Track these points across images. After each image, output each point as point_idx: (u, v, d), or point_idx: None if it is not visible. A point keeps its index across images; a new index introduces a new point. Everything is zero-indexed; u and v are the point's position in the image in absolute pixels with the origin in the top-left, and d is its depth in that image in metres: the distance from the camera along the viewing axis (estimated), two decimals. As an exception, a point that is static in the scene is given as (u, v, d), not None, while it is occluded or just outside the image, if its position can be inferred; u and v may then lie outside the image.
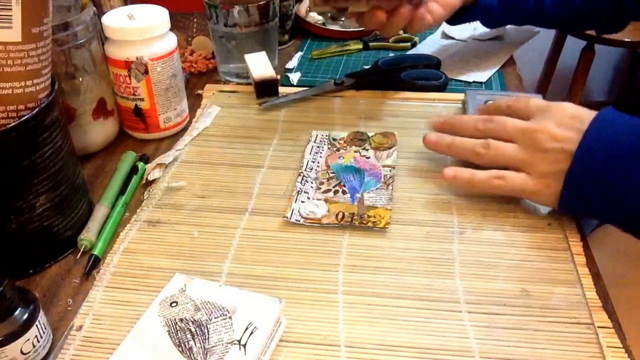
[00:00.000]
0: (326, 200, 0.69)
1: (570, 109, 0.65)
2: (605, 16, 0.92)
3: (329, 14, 1.13)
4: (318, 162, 0.75)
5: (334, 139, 0.79)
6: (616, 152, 0.60)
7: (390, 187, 0.71)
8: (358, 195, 0.69)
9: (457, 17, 0.89)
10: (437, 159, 0.76)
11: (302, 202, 0.69)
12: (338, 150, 0.77)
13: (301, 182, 0.72)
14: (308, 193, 0.70)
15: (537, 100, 0.68)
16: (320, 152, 0.77)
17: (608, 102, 2.73)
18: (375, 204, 0.68)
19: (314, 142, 0.79)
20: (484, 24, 0.93)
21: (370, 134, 0.80)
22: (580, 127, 0.62)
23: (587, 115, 0.64)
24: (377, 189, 0.70)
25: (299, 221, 0.66)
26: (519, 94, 0.86)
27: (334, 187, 0.71)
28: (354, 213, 0.67)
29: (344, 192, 0.70)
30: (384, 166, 0.74)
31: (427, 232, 0.65)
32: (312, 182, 0.72)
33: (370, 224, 0.65)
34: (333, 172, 0.73)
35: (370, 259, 0.62)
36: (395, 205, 0.69)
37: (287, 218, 0.67)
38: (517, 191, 0.66)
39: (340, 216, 0.67)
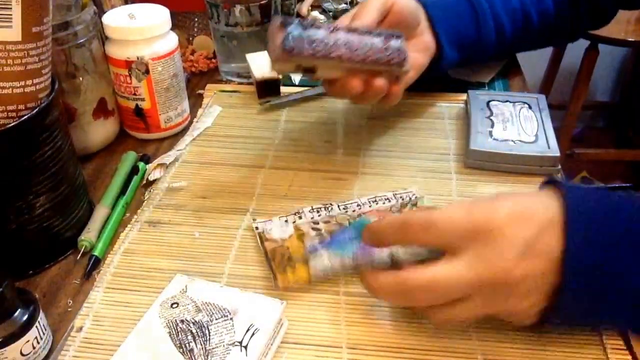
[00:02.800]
0: (296, 230, 0.63)
1: (518, 231, 0.47)
2: (564, 31, 0.94)
3: (330, 14, 1.13)
4: (362, 206, 0.67)
5: (414, 204, 0.67)
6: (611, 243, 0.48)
7: (350, 269, 0.60)
8: (319, 248, 0.60)
9: (423, 74, 0.79)
10: (437, 158, 0.75)
11: (284, 220, 0.65)
12: (394, 212, 0.66)
13: (315, 210, 0.66)
14: (301, 218, 0.66)
15: (447, 224, 0.49)
16: (380, 203, 0.68)
17: (612, 102, 2.73)
18: (314, 266, 0.59)
19: (400, 194, 0.69)
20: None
21: None
22: (548, 251, 0.47)
23: (544, 231, 0.48)
24: (340, 256, 0.59)
25: (256, 228, 0.64)
26: (522, 94, 0.86)
27: (326, 229, 0.64)
28: (290, 257, 0.60)
29: (320, 235, 0.63)
30: (392, 255, 0.59)
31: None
32: (321, 214, 0.66)
33: (278, 270, 0.59)
34: (349, 223, 0.65)
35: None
36: (398, 205, 0.69)
37: (254, 221, 0.65)
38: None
39: (278, 250, 0.61)
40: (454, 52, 0.81)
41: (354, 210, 0.67)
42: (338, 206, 0.67)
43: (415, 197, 0.68)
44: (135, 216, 0.68)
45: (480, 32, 0.83)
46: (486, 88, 0.92)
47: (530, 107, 0.80)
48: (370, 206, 0.67)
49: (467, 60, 0.86)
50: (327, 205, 0.67)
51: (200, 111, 0.88)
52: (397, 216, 0.53)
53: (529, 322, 0.51)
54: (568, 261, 0.47)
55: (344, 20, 0.71)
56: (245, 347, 0.49)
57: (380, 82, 0.67)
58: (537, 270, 0.47)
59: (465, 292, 0.48)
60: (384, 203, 0.67)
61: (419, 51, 0.76)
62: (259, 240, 0.63)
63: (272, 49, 0.63)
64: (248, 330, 0.50)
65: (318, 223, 0.65)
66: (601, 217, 0.48)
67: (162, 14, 0.77)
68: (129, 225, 0.67)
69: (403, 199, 0.67)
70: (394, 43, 0.66)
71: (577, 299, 0.48)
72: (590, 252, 0.47)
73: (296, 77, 0.95)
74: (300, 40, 0.62)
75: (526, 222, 0.48)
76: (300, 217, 0.66)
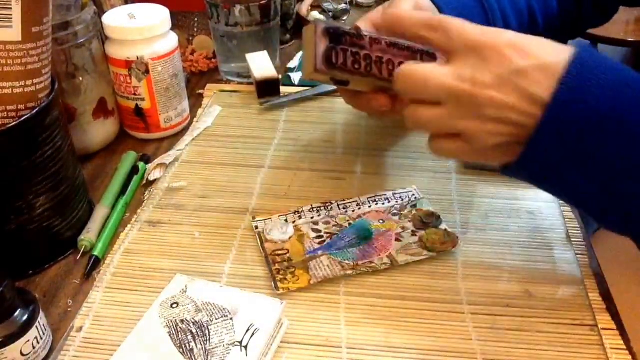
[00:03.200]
0: (296, 231, 0.64)
1: (514, 56, 0.47)
2: (566, 30, 0.93)
3: (330, 14, 1.13)
4: (361, 206, 0.68)
5: (414, 206, 0.68)
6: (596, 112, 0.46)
7: (350, 272, 0.60)
8: (319, 252, 0.61)
9: None
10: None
11: (283, 220, 0.66)
12: (396, 215, 0.67)
13: (315, 210, 0.67)
14: (301, 218, 0.66)
15: (460, 30, 0.50)
16: (380, 203, 0.68)
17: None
18: (313, 269, 0.60)
19: (400, 193, 0.70)
20: None
21: (439, 225, 0.65)
22: (531, 91, 0.46)
23: (538, 68, 0.47)
24: (340, 262, 0.60)
25: (256, 228, 0.65)
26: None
27: (326, 231, 0.64)
28: (290, 259, 0.61)
29: (318, 238, 0.64)
30: (391, 257, 0.62)
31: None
32: (321, 214, 0.67)
33: (278, 278, 0.59)
34: (350, 225, 0.65)
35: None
36: (398, 205, 0.69)
37: (253, 220, 0.66)
38: (452, 157, 0.58)
39: (277, 252, 0.62)
40: None
41: (353, 211, 0.67)
42: (338, 205, 0.67)
43: (415, 198, 0.68)
44: (135, 216, 0.68)
45: None
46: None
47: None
48: (370, 206, 0.67)
49: None
50: (327, 205, 0.67)
51: (200, 111, 0.88)
52: (422, 13, 0.53)
53: (490, 156, 0.52)
54: (549, 110, 0.46)
55: (375, 17, 0.69)
56: (245, 347, 0.49)
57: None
58: (513, 104, 0.47)
59: (441, 96, 0.50)
60: (383, 203, 0.67)
61: None
62: (258, 241, 0.63)
63: (310, 57, 0.59)
64: (248, 330, 0.50)
65: (318, 224, 0.65)
66: (603, 80, 0.46)
67: (162, 13, 0.77)
68: (129, 225, 0.67)
69: (402, 199, 0.68)
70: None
71: (546, 149, 0.48)
72: (575, 111, 0.46)
73: (296, 77, 0.95)
74: (344, 53, 0.60)
75: (523, 54, 0.47)
76: (300, 217, 0.66)
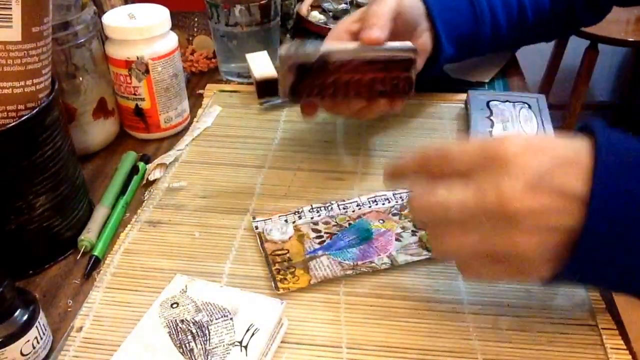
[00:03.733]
0: (296, 232, 0.64)
1: (532, 160, 0.43)
2: (558, 27, 0.93)
3: (330, 14, 1.13)
4: (361, 207, 0.67)
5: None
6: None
7: (350, 272, 0.60)
8: (319, 253, 0.61)
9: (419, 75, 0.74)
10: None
11: (283, 220, 0.65)
12: (395, 215, 0.66)
13: (315, 210, 0.67)
14: (301, 218, 0.66)
15: (462, 151, 0.48)
16: (379, 204, 0.68)
17: (612, 102, 2.72)
18: (313, 271, 0.59)
19: (399, 193, 0.69)
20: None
21: None
22: (564, 188, 0.43)
23: (563, 165, 0.44)
24: (340, 262, 0.60)
25: (256, 228, 0.65)
26: (522, 94, 0.86)
27: (326, 230, 0.64)
28: (290, 259, 0.61)
29: (318, 238, 0.63)
30: (391, 257, 0.61)
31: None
32: (321, 214, 0.66)
33: (277, 277, 0.59)
34: (349, 225, 0.65)
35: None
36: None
37: (253, 220, 0.66)
38: (491, 280, 0.55)
39: (276, 252, 0.61)
40: (451, 48, 0.81)
41: (353, 211, 0.67)
42: (338, 206, 0.67)
43: None
44: (135, 216, 0.68)
45: (477, 27, 0.82)
46: (486, 88, 0.92)
47: (530, 107, 0.80)
48: (370, 206, 0.67)
49: (462, 56, 0.85)
50: (327, 205, 0.67)
51: (200, 111, 0.88)
52: (415, 153, 0.50)
53: (536, 271, 0.46)
54: (594, 204, 0.42)
55: (349, 25, 0.71)
56: (245, 347, 0.49)
57: (381, 102, 0.70)
58: (550, 207, 0.43)
59: (469, 218, 0.45)
60: (383, 204, 0.67)
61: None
62: (258, 241, 0.63)
63: (282, 85, 0.67)
64: (248, 330, 0.50)
65: (318, 224, 0.65)
66: (634, 161, 0.43)
67: (162, 13, 0.77)
68: (129, 225, 0.67)
69: (403, 199, 0.68)
70: (403, 74, 0.68)
71: (598, 247, 0.43)
72: (620, 197, 0.42)
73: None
74: (309, 86, 0.66)
75: (541, 155, 0.44)
76: (300, 217, 0.66)
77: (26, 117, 0.55)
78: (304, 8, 1.13)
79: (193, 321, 0.51)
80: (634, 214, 0.42)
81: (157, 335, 0.50)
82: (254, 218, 0.66)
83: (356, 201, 0.68)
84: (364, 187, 0.71)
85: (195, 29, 1.03)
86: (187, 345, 0.49)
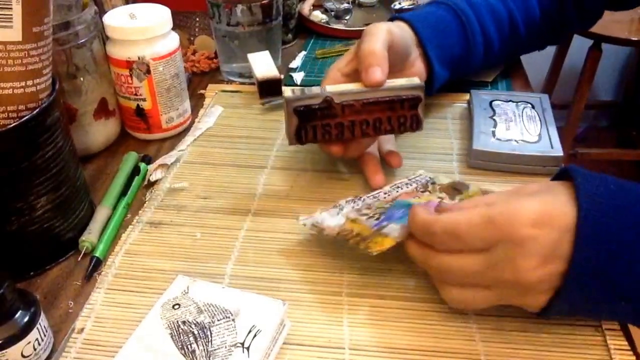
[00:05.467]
0: (347, 218, 0.61)
1: (543, 236, 0.48)
2: (550, 36, 0.94)
3: (332, 13, 1.13)
4: (389, 194, 0.65)
5: (433, 183, 0.66)
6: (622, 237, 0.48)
7: None
8: (384, 223, 0.58)
9: None
10: (441, 159, 0.75)
11: (326, 212, 0.62)
12: (424, 192, 0.65)
13: (350, 201, 0.64)
14: (342, 209, 0.63)
15: (475, 234, 0.50)
16: (404, 188, 0.66)
17: (615, 101, 2.72)
18: (390, 234, 0.57)
19: (414, 178, 0.67)
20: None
21: (470, 187, 0.63)
22: (568, 253, 0.48)
23: (566, 232, 0.48)
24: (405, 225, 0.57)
25: (305, 225, 0.62)
26: (525, 93, 0.85)
27: (372, 214, 0.61)
28: (359, 234, 0.58)
29: (371, 218, 0.60)
30: None
31: (432, 233, 0.65)
32: (358, 204, 0.63)
33: (362, 247, 0.57)
34: (391, 204, 0.62)
35: (375, 260, 0.61)
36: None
37: (299, 220, 0.62)
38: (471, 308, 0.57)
39: (343, 233, 0.59)
40: (445, 71, 0.81)
41: (384, 198, 0.64)
42: (367, 198, 0.65)
43: (431, 178, 0.66)
44: (137, 217, 0.68)
45: (469, 48, 0.83)
46: (489, 88, 0.91)
47: (533, 107, 0.80)
48: (397, 192, 0.65)
49: (456, 76, 0.85)
50: (358, 197, 0.65)
51: (201, 111, 0.88)
52: (426, 220, 0.52)
53: (536, 310, 0.52)
54: (574, 266, 0.47)
55: (343, 68, 0.71)
56: (248, 349, 0.48)
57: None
58: (556, 272, 0.48)
59: (484, 283, 0.51)
60: (407, 187, 0.66)
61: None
62: (316, 232, 0.61)
63: (287, 131, 0.68)
64: (250, 331, 0.50)
65: (361, 210, 0.62)
66: (612, 216, 0.48)
67: (163, 13, 0.77)
68: (130, 226, 0.67)
69: (420, 181, 0.66)
70: (410, 112, 0.67)
71: (575, 293, 0.49)
72: (594, 250, 0.47)
73: (298, 78, 0.95)
74: (313, 128, 0.66)
75: (548, 227, 0.48)
76: (341, 209, 0.63)
77: (27, 117, 0.55)
78: (305, 7, 1.13)
79: (195, 322, 0.51)
80: (616, 269, 0.48)
81: (159, 336, 0.50)
82: (297, 218, 0.62)
83: (381, 192, 0.66)
84: (366, 187, 0.71)
85: (196, 29, 1.03)
86: (189, 346, 0.49)
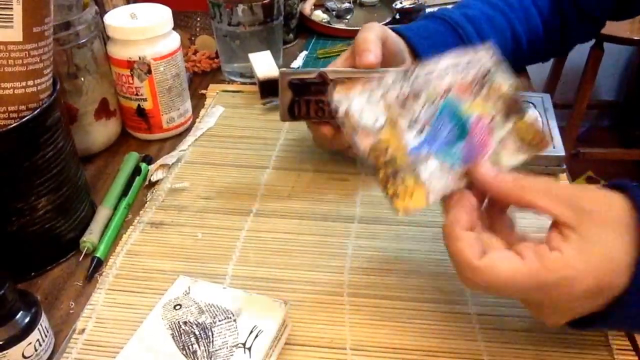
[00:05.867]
0: (390, 120, 0.51)
1: (591, 302, 0.45)
2: (553, 48, 0.93)
3: (334, 13, 1.13)
4: (442, 77, 0.54)
5: (492, 81, 0.55)
6: None
7: (464, 183, 0.51)
8: (424, 152, 0.51)
9: None
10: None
11: (367, 99, 0.52)
12: (481, 89, 0.54)
13: (399, 78, 0.53)
14: (387, 92, 0.52)
15: (561, 196, 0.47)
16: (460, 71, 0.55)
17: (617, 101, 2.71)
18: (426, 182, 0.50)
19: (474, 59, 0.56)
20: None
21: (525, 114, 0.54)
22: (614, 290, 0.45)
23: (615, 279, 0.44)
24: (451, 167, 0.51)
25: (336, 106, 0.52)
26: (527, 93, 0.85)
27: (416, 114, 0.52)
28: (391, 161, 0.50)
29: (414, 125, 0.52)
30: (494, 158, 0.52)
31: (433, 234, 0.64)
32: (405, 85, 0.53)
33: (389, 192, 0.50)
34: (441, 104, 0.53)
35: (376, 260, 0.61)
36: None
37: (333, 96, 0.52)
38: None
39: (375, 152, 0.50)
40: None
41: (437, 83, 0.54)
42: (418, 73, 0.54)
43: (490, 70, 0.56)
44: (138, 217, 0.68)
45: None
46: (490, 87, 0.91)
47: (535, 107, 0.80)
48: (452, 76, 0.54)
49: None
50: (408, 71, 0.54)
51: (202, 111, 0.88)
52: (467, 262, 0.46)
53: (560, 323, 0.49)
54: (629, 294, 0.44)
55: (342, 62, 0.70)
56: (249, 349, 0.48)
57: None
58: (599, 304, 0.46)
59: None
60: (461, 72, 0.55)
61: None
62: (350, 132, 0.51)
63: (280, 106, 0.67)
64: (251, 332, 0.50)
65: (406, 103, 0.52)
66: None
67: (164, 13, 0.76)
68: (131, 227, 0.67)
69: (479, 69, 0.56)
70: None
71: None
72: None
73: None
74: (306, 103, 0.65)
75: (601, 297, 0.45)
76: (386, 92, 0.53)
77: (27, 117, 0.55)
78: (307, 7, 1.13)
79: (196, 323, 0.51)
80: None
81: (160, 337, 0.50)
82: (333, 94, 0.52)
83: (435, 70, 0.54)
84: (367, 187, 0.71)
85: (197, 29, 1.03)
86: (190, 347, 0.49)
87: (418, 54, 0.76)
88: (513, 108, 0.54)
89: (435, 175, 0.50)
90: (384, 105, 0.52)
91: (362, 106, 0.51)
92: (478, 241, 0.46)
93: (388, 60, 0.69)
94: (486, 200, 0.51)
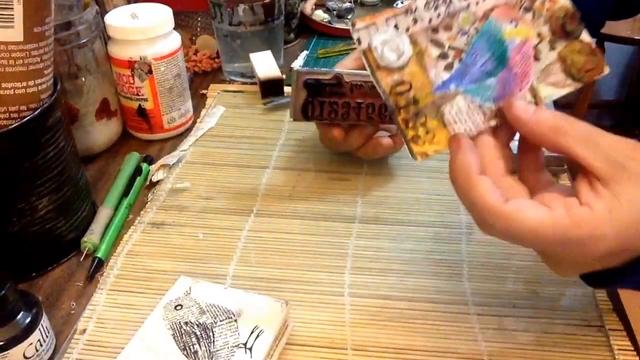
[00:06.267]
0: (417, 54, 0.47)
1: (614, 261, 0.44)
2: None
3: (334, 13, 1.13)
4: (477, 2, 0.47)
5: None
6: None
7: (494, 123, 0.47)
8: (452, 87, 0.47)
9: None
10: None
11: (393, 30, 0.47)
12: (529, 10, 0.48)
13: (431, 7, 0.47)
14: (417, 21, 0.47)
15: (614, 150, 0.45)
16: None
17: (618, 101, 2.71)
18: (451, 120, 0.47)
19: None
20: None
21: (580, 35, 0.49)
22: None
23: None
24: (480, 105, 0.47)
25: (359, 42, 0.47)
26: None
27: (449, 45, 0.47)
28: (414, 99, 0.47)
29: (444, 57, 0.47)
30: (533, 91, 0.48)
31: (434, 233, 0.64)
32: (440, 11, 0.47)
33: (408, 134, 0.47)
34: (479, 29, 0.47)
35: (377, 260, 0.61)
36: (402, 206, 0.68)
37: (353, 29, 0.47)
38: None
39: (394, 93, 0.47)
40: None
41: (477, 3, 0.48)
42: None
43: None
44: (139, 217, 0.68)
45: None
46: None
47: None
48: None
49: None
50: None
51: (203, 111, 0.88)
52: (488, 206, 0.43)
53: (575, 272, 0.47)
54: None
55: (352, 61, 0.69)
56: (250, 349, 0.48)
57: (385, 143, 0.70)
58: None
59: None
60: None
61: None
62: (367, 66, 0.47)
63: (293, 105, 0.67)
64: (253, 332, 0.50)
65: (438, 31, 0.47)
66: None
67: (165, 13, 0.76)
68: (132, 227, 0.67)
69: None
70: None
71: None
72: None
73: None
74: (320, 104, 0.65)
75: (624, 254, 0.44)
76: (415, 21, 0.47)
77: (28, 118, 0.55)
78: (308, 7, 1.13)
79: (197, 323, 0.51)
80: None
81: (161, 337, 0.50)
82: (353, 25, 0.47)
83: None
84: (369, 187, 0.71)
85: (198, 29, 1.03)
86: (191, 347, 0.49)
87: None
88: (568, 25, 0.48)
89: (462, 114, 0.47)
90: (412, 35, 0.47)
91: (386, 39, 0.47)
92: (496, 187, 0.44)
93: None
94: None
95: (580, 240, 0.42)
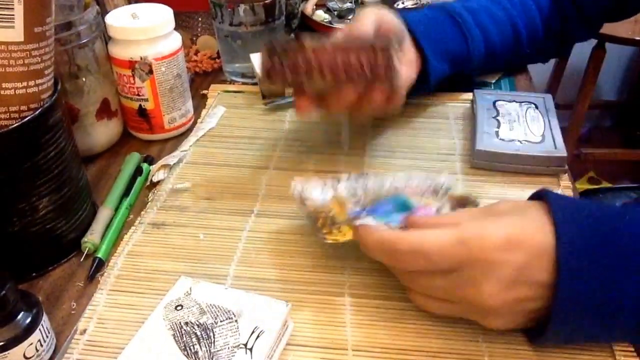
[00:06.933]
0: (335, 197, 0.59)
1: (511, 258, 0.48)
2: (553, 48, 0.94)
3: (335, 13, 1.12)
4: (396, 184, 0.61)
5: (447, 191, 0.61)
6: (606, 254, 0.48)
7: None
8: (363, 214, 0.57)
9: (413, 89, 0.77)
10: (449, 158, 0.75)
11: (320, 183, 0.61)
12: (432, 194, 0.61)
13: (353, 179, 0.61)
14: (338, 184, 0.61)
15: (442, 255, 0.49)
16: (415, 182, 0.61)
17: (619, 101, 2.71)
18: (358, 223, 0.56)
19: (433, 180, 0.61)
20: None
21: (478, 206, 0.60)
22: (539, 278, 0.48)
23: (536, 256, 0.48)
24: (386, 223, 0.56)
25: (294, 192, 0.60)
26: (528, 93, 0.85)
27: (363, 200, 0.59)
28: (332, 218, 0.57)
29: (358, 203, 0.59)
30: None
31: (435, 234, 0.64)
32: (357, 185, 0.61)
33: (324, 232, 0.57)
34: (388, 196, 0.60)
35: (378, 261, 0.61)
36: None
37: (293, 184, 0.61)
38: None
39: (318, 210, 0.58)
40: (442, 64, 0.80)
41: (389, 186, 0.61)
42: (374, 179, 0.62)
43: (448, 186, 0.62)
44: (139, 218, 0.68)
45: (467, 43, 0.82)
46: (492, 88, 0.91)
47: (536, 107, 0.80)
48: (405, 184, 0.61)
49: (458, 71, 0.85)
50: (364, 174, 0.62)
51: (204, 112, 0.88)
52: (389, 234, 0.52)
53: (500, 328, 0.52)
54: (560, 293, 0.47)
55: (338, 36, 0.70)
56: (250, 350, 0.48)
57: (375, 95, 0.66)
58: (523, 296, 0.49)
59: (450, 299, 0.51)
60: (415, 183, 0.62)
61: (403, 64, 0.73)
62: (298, 202, 0.60)
63: (260, 71, 0.69)
64: (253, 332, 0.50)
65: (356, 190, 0.60)
66: (593, 244, 0.48)
67: (166, 13, 0.76)
68: (132, 227, 0.67)
69: (434, 185, 0.62)
70: (381, 60, 0.64)
71: (564, 327, 0.49)
72: (581, 283, 0.47)
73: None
74: (281, 63, 0.65)
75: (518, 250, 0.48)
76: (338, 182, 0.61)
77: (29, 118, 0.55)
78: (308, 7, 1.12)
79: (198, 323, 0.51)
80: (597, 294, 0.47)
81: (162, 338, 0.50)
82: (294, 179, 0.61)
83: (391, 179, 0.61)
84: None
85: (199, 29, 1.03)
86: (192, 347, 0.49)
87: (414, 35, 0.77)
88: (462, 205, 0.59)
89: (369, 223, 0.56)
90: (334, 194, 0.59)
91: (313, 188, 0.60)
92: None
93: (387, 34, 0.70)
94: None
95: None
